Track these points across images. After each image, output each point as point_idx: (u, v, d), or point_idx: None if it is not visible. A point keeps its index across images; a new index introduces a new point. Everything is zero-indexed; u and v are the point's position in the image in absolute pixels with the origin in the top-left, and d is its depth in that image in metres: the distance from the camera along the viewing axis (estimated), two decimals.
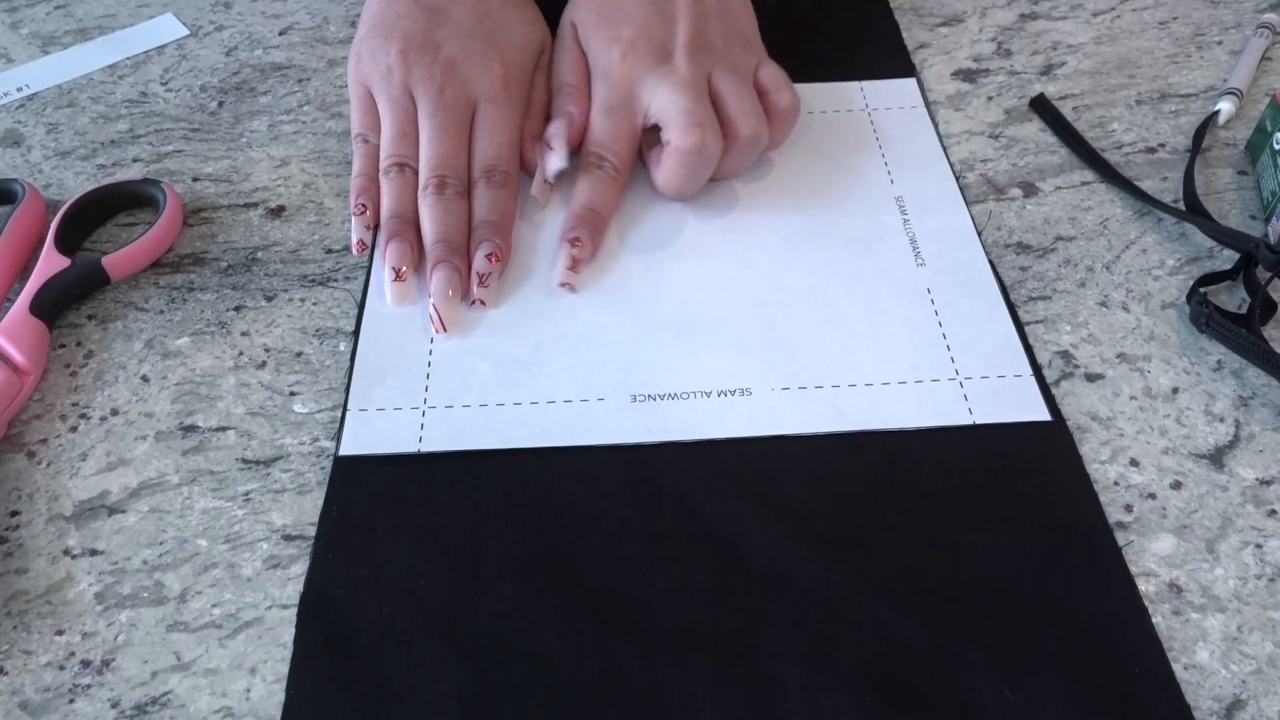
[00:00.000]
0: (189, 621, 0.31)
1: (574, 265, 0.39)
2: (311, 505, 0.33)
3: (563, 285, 0.39)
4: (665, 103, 0.40)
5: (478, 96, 0.42)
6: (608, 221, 0.41)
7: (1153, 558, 0.32)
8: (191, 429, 0.35)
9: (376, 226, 0.41)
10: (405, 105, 0.42)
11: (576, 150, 0.42)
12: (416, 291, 0.39)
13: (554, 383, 0.36)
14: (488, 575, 0.31)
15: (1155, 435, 0.35)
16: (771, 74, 0.42)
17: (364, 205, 0.40)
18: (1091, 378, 0.37)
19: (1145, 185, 0.44)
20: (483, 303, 0.38)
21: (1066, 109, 0.47)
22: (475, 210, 0.40)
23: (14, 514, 0.33)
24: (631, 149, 0.42)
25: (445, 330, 0.37)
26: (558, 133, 0.41)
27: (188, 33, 0.53)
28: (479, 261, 0.38)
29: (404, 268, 0.38)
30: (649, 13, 0.42)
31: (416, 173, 0.41)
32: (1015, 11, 0.54)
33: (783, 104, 0.41)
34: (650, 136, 0.42)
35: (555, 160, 0.40)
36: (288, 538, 0.32)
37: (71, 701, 0.29)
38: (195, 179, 0.45)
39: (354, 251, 0.40)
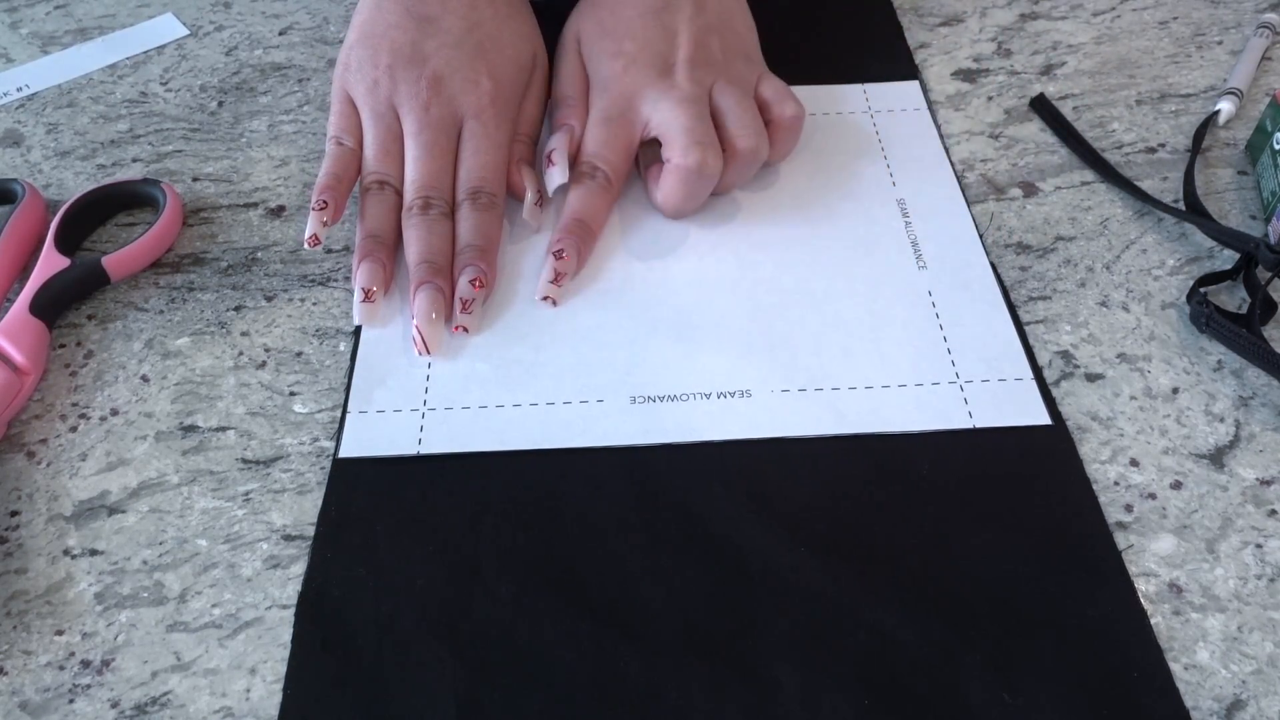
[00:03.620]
0: (189, 621, 0.31)
1: (557, 279, 0.38)
2: (311, 505, 0.33)
3: (544, 300, 0.38)
4: (666, 118, 0.40)
5: (464, 113, 0.41)
6: (597, 234, 0.40)
7: (1153, 558, 0.32)
8: (191, 429, 0.36)
9: (349, 227, 0.40)
10: (389, 121, 0.41)
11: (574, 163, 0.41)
12: (385, 312, 0.38)
13: (553, 384, 0.36)
14: (486, 576, 0.31)
15: (1155, 435, 0.35)
16: (773, 86, 0.42)
17: (325, 202, 0.39)
18: (1091, 378, 0.37)
19: (1145, 185, 0.44)
20: (465, 329, 0.37)
21: (1066, 109, 0.47)
22: (460, 233, 0.39)
23: (14, 514, 0.33)
24: (627, 160, 0.41)
25: (429, 352, 0.37)
26: (559, 145, 0.41)
27: (188, 33, 0.53)
28: (463, 287, 0.38)
29: (374, 288, 0.38)
30: (651, 25, 0.42)
31: (397, 192, 0.40)
32: (1015, 11, 0.54)
33: (787, 114, 0.41)
34: (648, 153, 0.42)
35: (557, 175, 0.40)
36: (288, 538, 0.32)
37: (71, 701, 0.29)
38: (195, 179, 0.45)
39: (306, 245, 0.38)
